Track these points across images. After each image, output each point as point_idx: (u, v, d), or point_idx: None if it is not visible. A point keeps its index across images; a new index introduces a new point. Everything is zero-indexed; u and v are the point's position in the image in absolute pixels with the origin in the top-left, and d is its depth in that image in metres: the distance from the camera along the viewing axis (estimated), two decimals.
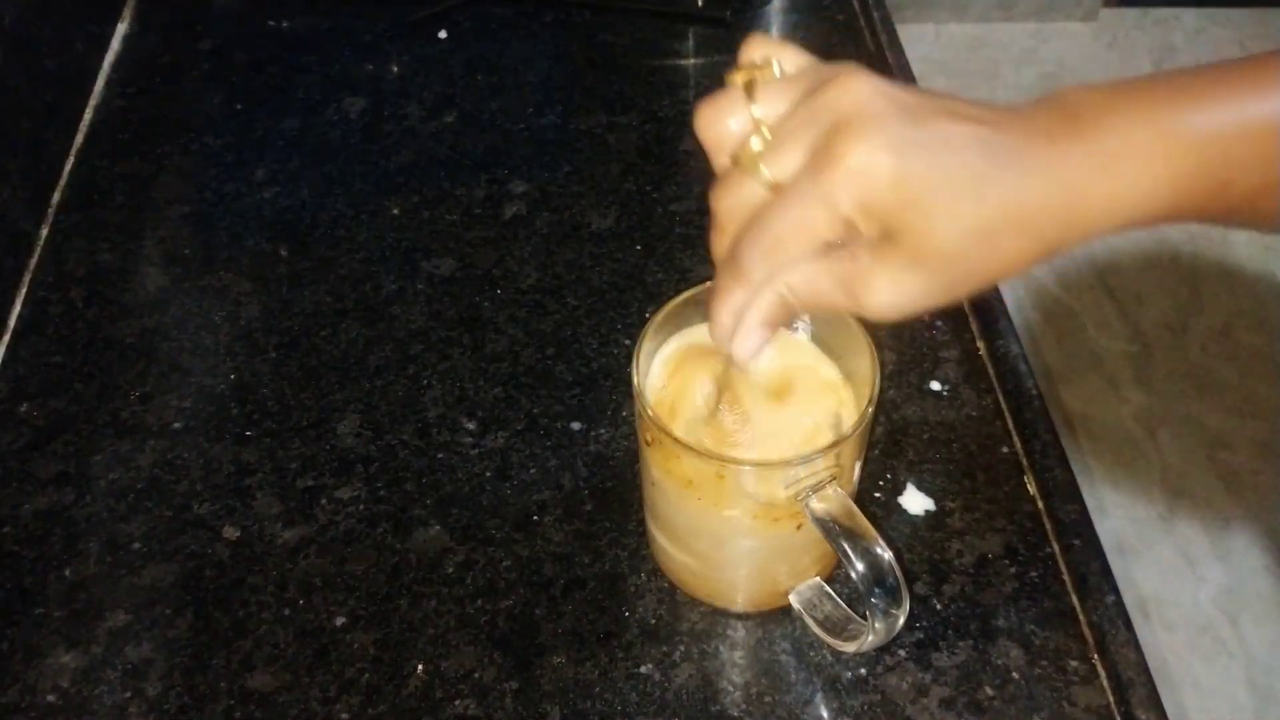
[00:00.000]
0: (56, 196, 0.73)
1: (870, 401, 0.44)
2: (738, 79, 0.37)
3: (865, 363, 0.46)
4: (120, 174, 0.74)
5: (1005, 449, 0.57)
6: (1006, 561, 0.53)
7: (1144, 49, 2.21)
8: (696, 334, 0.49)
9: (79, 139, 0.77)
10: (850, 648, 0.47)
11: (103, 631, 0.51)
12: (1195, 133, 0.33)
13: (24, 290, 0.67)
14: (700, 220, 0.70)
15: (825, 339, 0.49)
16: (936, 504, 0.55)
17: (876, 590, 0.42)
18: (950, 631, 0.50)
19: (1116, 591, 0.51)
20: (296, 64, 0.83)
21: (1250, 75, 0.33)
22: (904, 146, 0.33)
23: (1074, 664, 0.49)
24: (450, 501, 0.56)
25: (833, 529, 0.42)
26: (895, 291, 0.34)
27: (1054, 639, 0.50)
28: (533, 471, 0.57)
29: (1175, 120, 0.33)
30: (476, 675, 0.49)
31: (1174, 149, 0.32)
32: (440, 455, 0.58)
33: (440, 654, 0.50)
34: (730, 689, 0.49)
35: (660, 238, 0.69)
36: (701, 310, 0.49)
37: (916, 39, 2.18)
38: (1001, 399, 0.59)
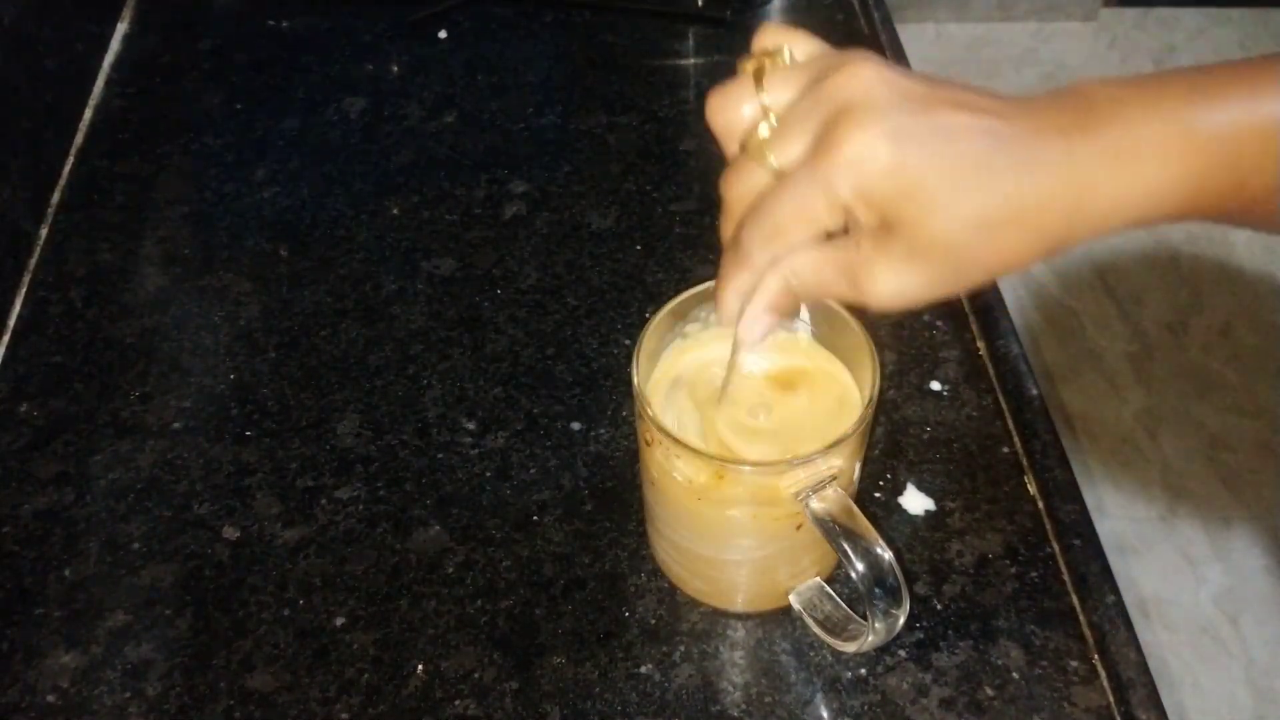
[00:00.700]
0: (56, 196, 0.73)
1: (870, 401, 0.44)
2: (748, 67, 0.37)
3: (865, 363, 0.46)
4: (120, 174, 0.74)
5: (1005, 449, 0.57)
6: (1007, 561, 0.53)
7: (1144, 49, 2.21)
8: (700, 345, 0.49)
9: (79, 139, 0.77)
10: (850, 648, 0.47)
11: (102, 631, 0.51)
12: (1210, 131, 0.32)
13: (24, 290, 0.67)
14: (700, 220, 0.70)
15: (826, 339, 0.49)
16: (937, 504, 0.55)
17: (876, 590, 0.42)
18: (950, 632, 0.50)
19: (1117, 591, 0.51)
20: (296, 64, 0.83)
21: (1266, 74, 0.32)
22: (903, 135, 0.33)
23: (1074, 664, 0.49)
24: (450, 501, 0.56)
25: (833, 529, 0.42)
26: (896, 281, 0.34)
27: (1054, 639, 0.50)
28: (533, 471, 0.57)
29: (1191, 118, 0.32)
30: (476, 675, 0.49)
31: (1188, 147, 0.32)
32: (440, 455, 0.58)
33: (440, 654, 0.50)
34: (730, 689, 0.49)
35: (660, 238, 0.69)
36: (701, 311, 0.49)
37: (916, 39, 2.18)
38: (1001, 399, 0.59)
